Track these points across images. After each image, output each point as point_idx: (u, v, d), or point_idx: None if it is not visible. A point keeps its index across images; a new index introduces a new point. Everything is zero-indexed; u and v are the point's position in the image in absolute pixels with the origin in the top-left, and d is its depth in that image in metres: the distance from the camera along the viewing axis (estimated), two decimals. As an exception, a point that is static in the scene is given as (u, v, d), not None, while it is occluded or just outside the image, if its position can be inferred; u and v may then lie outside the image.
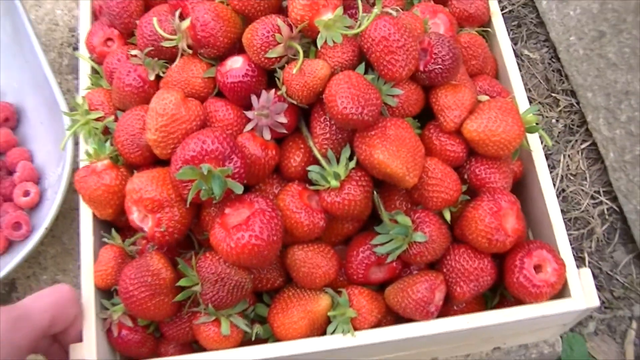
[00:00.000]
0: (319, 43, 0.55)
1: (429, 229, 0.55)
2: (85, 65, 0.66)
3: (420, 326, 0.56)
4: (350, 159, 0.55)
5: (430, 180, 0.55)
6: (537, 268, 0.57)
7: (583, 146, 0.87)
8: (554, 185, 0.85)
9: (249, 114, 0.56)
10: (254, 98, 0.56)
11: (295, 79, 0.54)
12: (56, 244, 0.79)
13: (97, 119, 0.62)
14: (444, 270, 0.57)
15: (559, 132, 0.88)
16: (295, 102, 0.55)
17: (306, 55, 0.55)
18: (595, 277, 0.81)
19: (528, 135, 0.62)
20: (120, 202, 0.58)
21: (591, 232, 0.83)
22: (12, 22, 0.81)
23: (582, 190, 0.85)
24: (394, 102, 0.55)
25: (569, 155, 0.87)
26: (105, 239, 0.60)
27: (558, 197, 0.84)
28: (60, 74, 0.85)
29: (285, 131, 0.56)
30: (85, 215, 0.61)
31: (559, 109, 0.89)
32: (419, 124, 0.58)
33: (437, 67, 0.55)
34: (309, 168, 0.55)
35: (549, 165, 0.86)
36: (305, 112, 0.57)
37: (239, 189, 0.52)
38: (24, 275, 0.77)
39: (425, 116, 0.59)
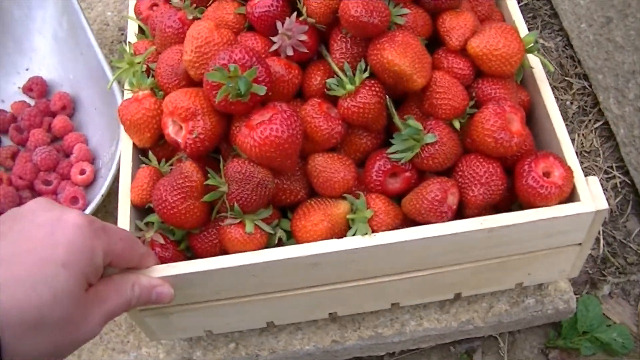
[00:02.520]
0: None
1: (439, 132, 0.59)
2: (133, 25, 0.75)
3: (436, 227, 0.58)
4: (364, 72, 0.60)
5: (439, 89, 0.60)
6: (546, 175, 0.59)
7: (596, 125, 0.91)
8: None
9: (275, 38, 0.63)
10: (278, 24, 0.63)
11: (313, -1, 0.61)
12: (109, 219, 0.84)
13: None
14: (457, 177, 0.61)
15: (573, 113, 0.92)
16: (314, 21, 0.62)
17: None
18: (609, 245, 0.82)
19: (534, 66, 0.67)
20: (157, 126, 0.64)
21: (607, 201, 0.85)
22: (68, 19, 0.91)
23: (596, 165, 0.88)
24: (402, 21, 0.61)
25: (582, 134, 0.90)
26: (143, 164, 0.66)
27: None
28: (112, 68, 0.94)
29: (306, 50, 0.62)
30: (126, 144, 0.67)
31: (573, 91, 0.93)
32: (426, 42, 0.64)
33: (441, -11, 0.62)
34: (328, 80, 0.61)
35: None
36: (323, 36, 0.64)
37: (262, 90, 0.57)
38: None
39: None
